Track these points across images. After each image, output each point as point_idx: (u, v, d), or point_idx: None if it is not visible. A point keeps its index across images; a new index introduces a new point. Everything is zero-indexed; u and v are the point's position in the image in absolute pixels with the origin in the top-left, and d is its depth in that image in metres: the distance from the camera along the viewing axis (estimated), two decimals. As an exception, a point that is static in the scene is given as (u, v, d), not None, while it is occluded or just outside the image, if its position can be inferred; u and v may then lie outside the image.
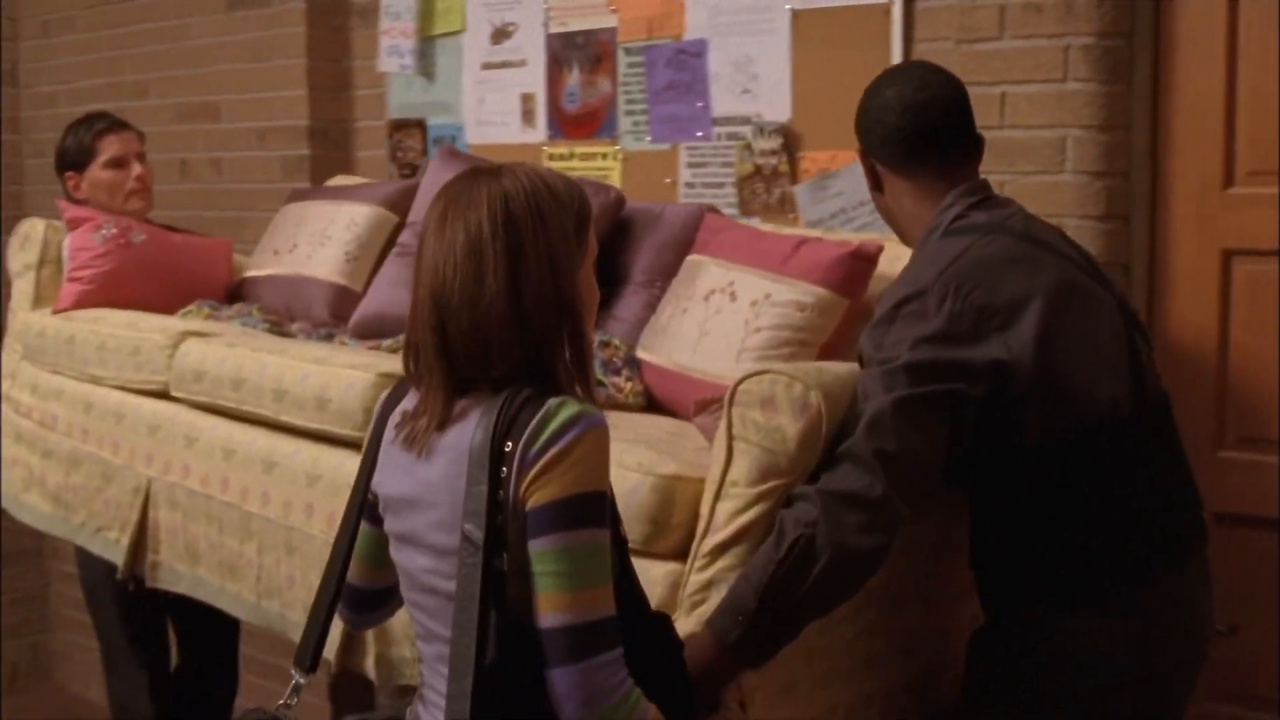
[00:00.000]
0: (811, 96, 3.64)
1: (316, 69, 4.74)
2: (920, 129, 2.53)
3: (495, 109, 4.37)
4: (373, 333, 3.69)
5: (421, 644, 2.07)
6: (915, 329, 2.30)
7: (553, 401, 1.91)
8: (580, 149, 4.16)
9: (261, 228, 4.35)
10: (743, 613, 2.23)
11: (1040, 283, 2.35)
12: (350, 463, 3.08)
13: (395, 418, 2.06)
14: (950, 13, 3.33)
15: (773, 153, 3.70)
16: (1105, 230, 3.07)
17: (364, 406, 3.05)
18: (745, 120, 3.77)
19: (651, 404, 3.14)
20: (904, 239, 2.66)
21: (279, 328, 3.87)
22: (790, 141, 3.68)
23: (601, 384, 3.12)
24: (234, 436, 3.36)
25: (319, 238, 4.06)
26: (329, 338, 3.77)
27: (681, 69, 3.89)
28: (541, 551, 1.88)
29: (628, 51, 4.03)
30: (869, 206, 3.46)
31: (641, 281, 3.42)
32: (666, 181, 3.93)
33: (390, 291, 3.73)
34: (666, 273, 3.36)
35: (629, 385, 3.13)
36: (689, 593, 2.38)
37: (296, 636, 3.24)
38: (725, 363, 2.92)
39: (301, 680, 2.24)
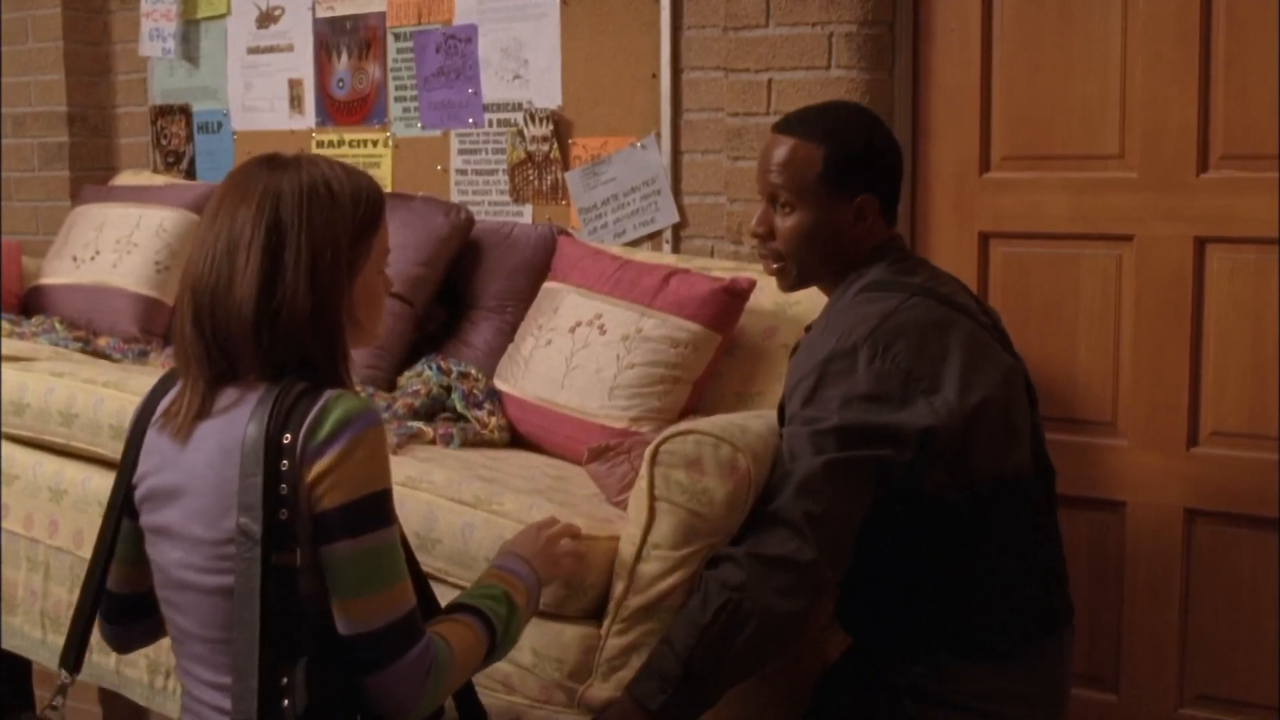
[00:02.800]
0: (582, 83, 3.59)
1: (74, 52, 4.50)
2: (902, 173, 2.47)
3: (262, 95, 4.22)
4: None
5: (175, 645, 1.95)
6: (844, 387, 2.19)
7: (330, 394, 1.82)
8: (350, 135, 4.03)
9: (20, 218, 4.12)
10: (666, 679, 2.13)
11: (963, 349, 2.26)
12: None
13: (163, 405, 1.94)
14: (716, 1, 3.30)
15: (544, 139, 3.64)
16: (869, 214, 3.08)
17: None
18: (516, 106, 3.70)
19: (514, 438, 3.02)
20: (810, 278, 2.45)
21: (89, 346, 3.62)
22: (561, 128, 3.62)
23: (464, 418, 3.00)
24: (64, 474, 3.11)
25: (124, 245, 3.82)
26: (143, 355, 3.54)
27: (452, 54, 3.80)
28: (337, 557, 1.80)
29: (397, 37, 3.92)
30: (640, 193, 3.44)
31: (493, 307, 3.31)
32: (438, 169, 3.84)
33: None
34: (519, 297, 3.26)
35: (492, 420, 3.00)
36: (606, 657, 2.29)
37: (136, 696, 3.06)
38: (595, 399, 2.83)
39: (67, 680, 2.07)
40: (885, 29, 3.14)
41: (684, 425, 2.31)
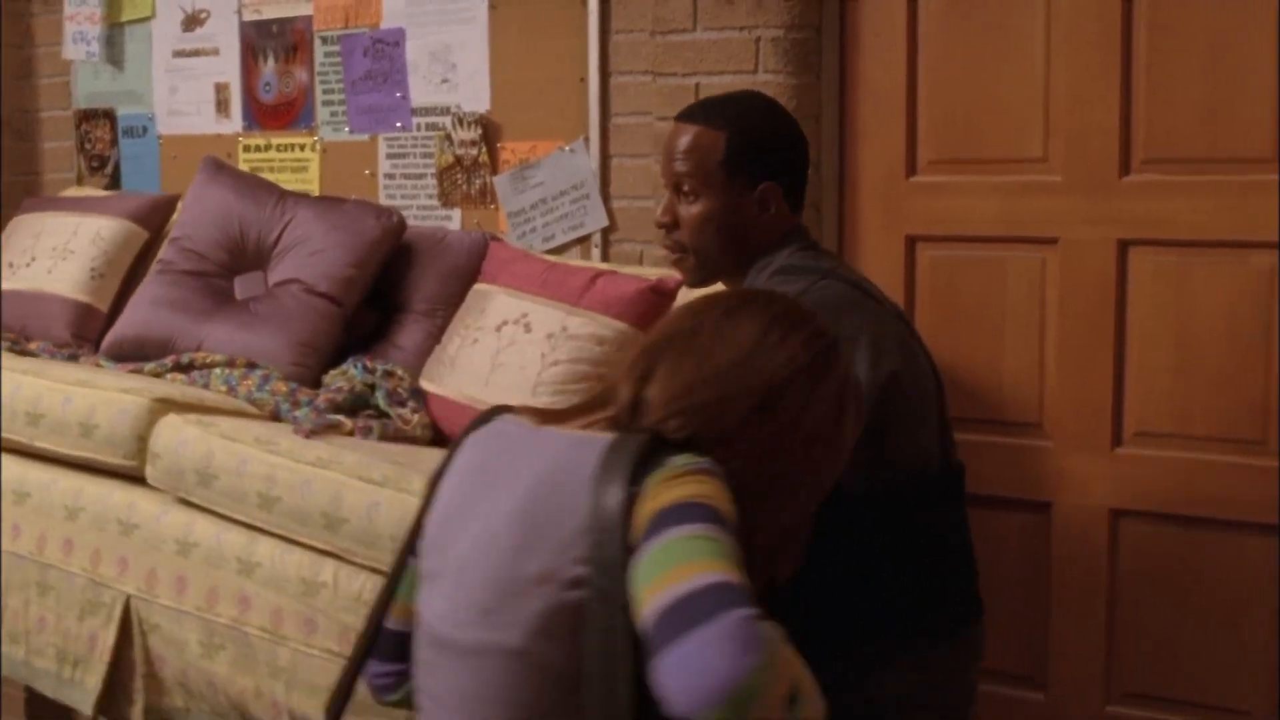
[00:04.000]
0: (510, 87, 3.55)
1: (-4, 55, 4.41)
2: (809, 163, 2.43)
3: (188, 99, 4.14)
4: (132, 355, 3.37)
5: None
6: None
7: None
8: (277, 140, 3.97)
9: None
10: None
11: (877, 334, 2.22)
12: (119, 493, 2.89)
13: (483, 442, 1.73)
14: (645, 4, 3.27)
15: (472, 143, 3.59)
16: (797, 218, 3.06)
17: (137, 434, 2.84)
18: (445, 111, 3.65)
19: (438, 437, 2.97)
20: (713, 268, 2.39)
21: (19, 346, 3.53)
22: (490, 132, 3.57)
23: (386, 415, 2.96)
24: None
25: (60, 252, 3.72)
26: (73, 359, 3.46)
27: (379, 58, 3.75)
28: (639, 561, 1.50)
29: (325, 40, 3.86)
30: (569, 197, 3.41)
31: (423, 310, 3.27)
32: (366, 173, 3.78)
33: (151, 312, 3.42)
34: (450, 302, 3.21)
35: (416, 417, 2.96)
36: None
37: (45, 687, 2.98)
38: (519, 396, 2.77)
39: None
40: (812, 33, 3.12)
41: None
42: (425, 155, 3.68)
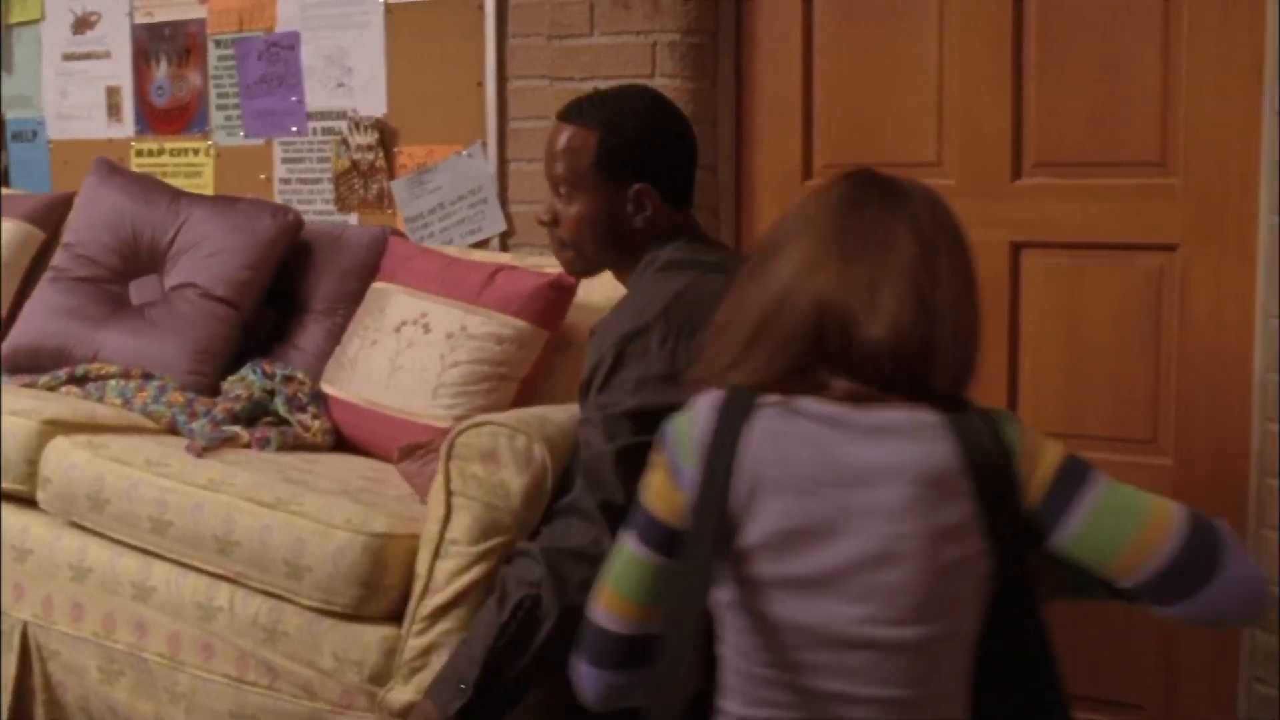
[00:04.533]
0: (407, 91, 3.51)
1: (-122, 58, 4.29)
2: (694, 161, 2.40)
3: (78, 102, 4.05)
4: (27, 366, 3.28)
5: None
6: (638, 369, 2.11)
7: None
8: (170, 144, 3.90)
9: None
10: (465, 681, 2.04)
11: None
12: (12, 518, 2.79)
13: (783, 443, 1.60)
14: (541, 8, 3.25)
15: (369, 148, 3.55)
16: (695, 222, 3.06)
17: (26, 457, 2.76)
18: (341, 115, 3.60)
19: (340, 442, 2.93)
20: (595, 264, 2.38)
21: None
22: (386, 136, 3.53)
23: (287, 422, 2.91)
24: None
25: None
26: None
27: (274, 62, 3.69)
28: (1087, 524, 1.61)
29: (218, 44, 3.80)
30: (467, 201, 3.38)
31: (322, 309, 3.22)
32: (261, 178, 3.72)
33: (45, 322, 3.32)
34: (349, 300, 3.16)
35: (316, 423, 2.91)
36: (406, 659, 2.21)
37: None
38: (420, 399, 2.75)
39: None
40: (708, 38, 3.12)
41: (480, 417, 2.25)
42: (321, 160, 3.63)
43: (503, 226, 3.35)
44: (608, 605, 1.70)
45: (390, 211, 3.51)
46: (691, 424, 1.64)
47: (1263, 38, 2.69)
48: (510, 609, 2.05)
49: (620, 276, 2.38)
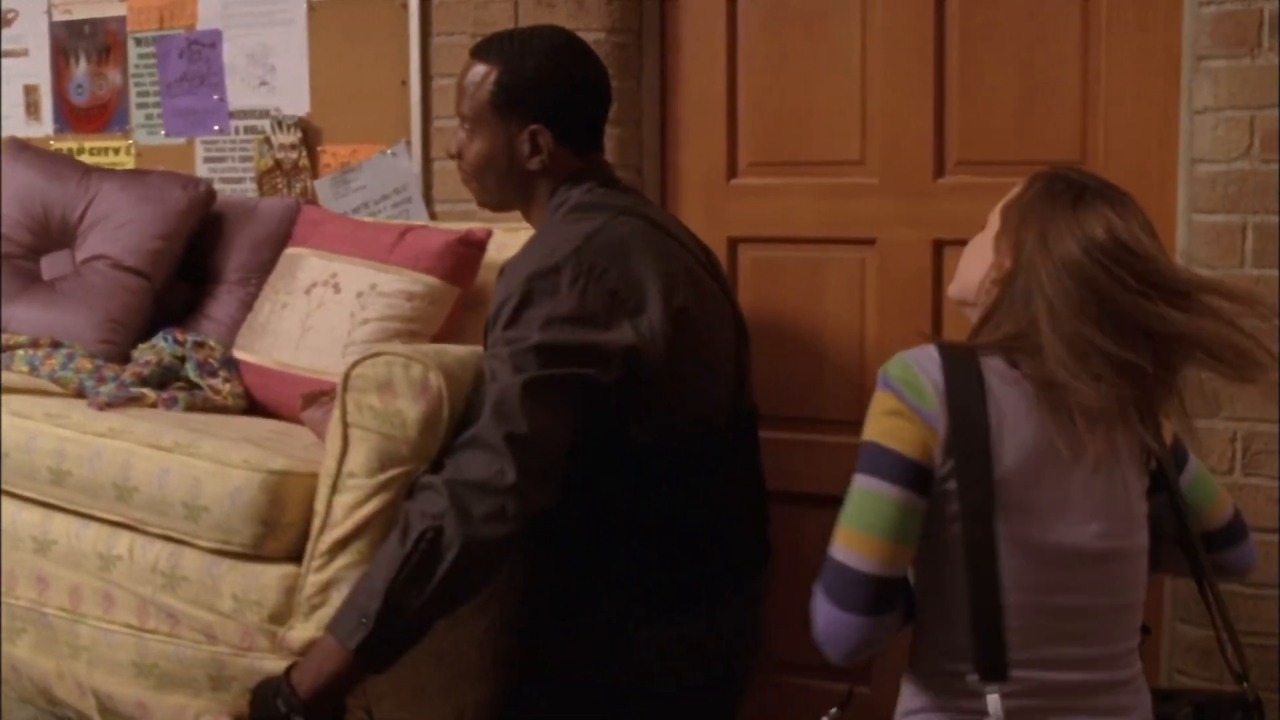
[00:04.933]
0: (330, 89, 3.47)
1: None
2: (599, 106, 2.37)
3: (-5, 101, 3.98)
4: None
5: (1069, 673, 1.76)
6: (546, 308, 2.09)
7: None
8: (90, 144, 3.83)
9: None
10: (366, 615, 2.00)
11: (669, 271, 2.18)
12: None
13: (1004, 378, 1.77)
14: (465, 7, 3.23)
15: (292, 147, 3.50)
16: (621, 221, 3.04)
17: None
18: (264, 113, 3.55)
19: (253, 406, 2.89)
20: (498, 201, 2.39)
21: None
22: (310, 135, 3.49)
23: (198, 386, 2.87)
24: None
25: None
26: None
27: (195, 60, 3.64)
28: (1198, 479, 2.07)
29: (139, 41, 3.74)
30: (391, 200, 3.35)
31: (236, 280, 3.18)
32: (183, 176, 3.67)
33: None
34: (263, 270, 3.12)
35: (227, 387, 2.87)
36: (306, 595, 2.17)
37: None
38: (331, 358, 2.71)
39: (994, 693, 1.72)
40: (632, 37, 3.11)
41: (375, 348, 2.22)
42: (244, 159, 3.59)
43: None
44: (866, 550, 1.73)
45: (314, 211, 3.47)
46: (920, 372, 1.76)
47: (1179, 38, 2.72)
48: (412, 541, 2.01)
49: (527, 216, 2.38)
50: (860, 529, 1.75)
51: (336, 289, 2.79)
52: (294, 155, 3.50)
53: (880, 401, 1.79)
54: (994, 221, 1.95)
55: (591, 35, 3.05)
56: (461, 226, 2.90)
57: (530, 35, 2.35)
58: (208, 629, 2.29)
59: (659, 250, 2.21)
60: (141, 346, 3.05)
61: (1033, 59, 2.85)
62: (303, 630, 2.16)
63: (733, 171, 3.12)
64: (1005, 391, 1.75)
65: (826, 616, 1.76)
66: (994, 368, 1.77)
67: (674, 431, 2.20)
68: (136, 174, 3.36)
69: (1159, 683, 2.79)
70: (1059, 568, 1.75)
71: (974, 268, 1.96)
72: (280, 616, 2.20)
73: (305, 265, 2.90)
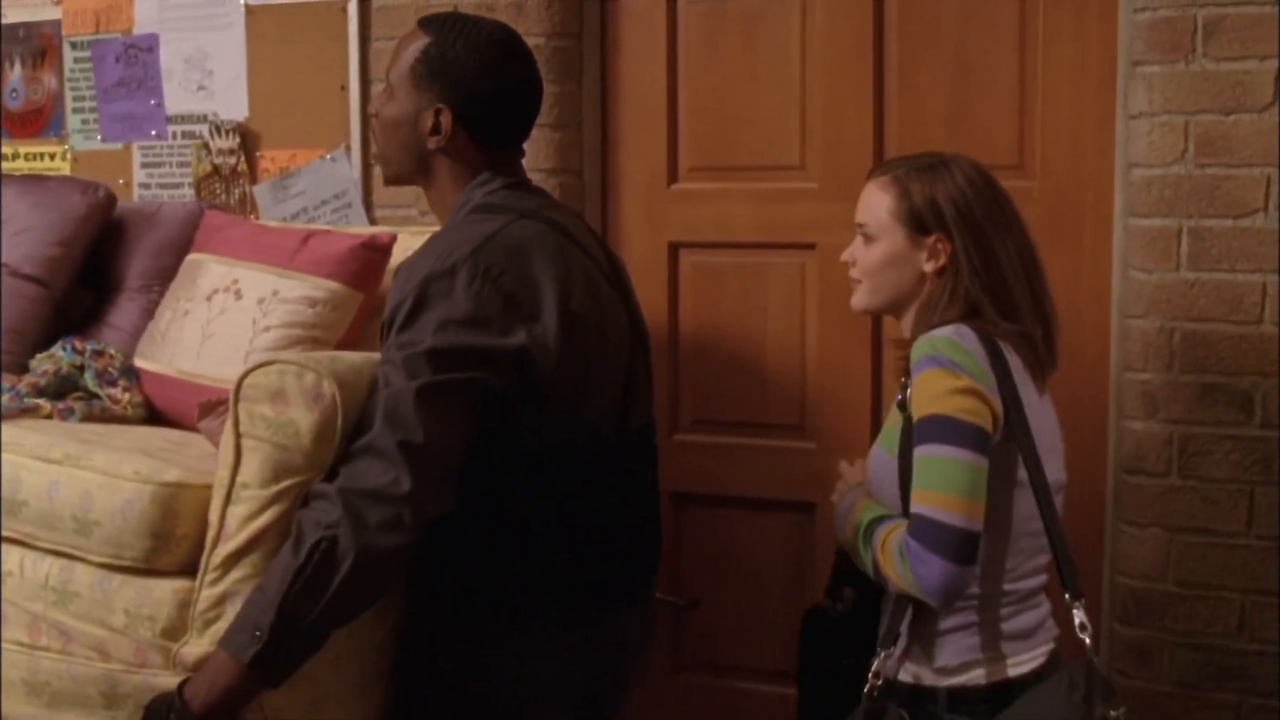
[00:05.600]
0: (269, 94, 3.42)
1: None
2: (518, 109, 2.30)
3: (-72, 105, 3.91)
4: None
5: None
6: (441, 310, 2.04)
7: None
8: (26, 149, 3.76)
9: None
10: (260, 627, 1.95)
11: (566, 276, 2.14)
12: None
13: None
14: (405, 11, 3.19)
15: (231, 152, 3.46)
16: (562, 226, 3.02)
17: None
18: (201, 118, 3.50)
19: (153, 415, 2.83)
20: (396, 174, 2.33)
21: None
22: (248, 140, 3.44)
23: (97, 396, 2.80)
24: None
25: None
26: None
27: (132, 64, 3.58)
28: None
29: (74, 45, 3.67)
30: (331, 206, 3.31)
31: (137, 287, 3.11)
32: (120, 183, 3.60)
33: None
34: (165, 277, 3.05)
35: (126, 396, 2.81)
36: (200, 610, 2.12)
37: None
38: (233, 365, 2.61)
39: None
40: (573, 41, 3.09)
41: (267, 357, 2.17)
42: (182, 164, 3.54)
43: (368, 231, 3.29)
44: (971, 512, 1.92)
45: (253, 216, 3.42)
46: (970, 351, 1.98)
47: (1114, 43, 2.73)
48: (306, 551, 1.96)
49: (427, 196, 2.33)
50: (959, 494, 1.92)
51: (238, 295, 2.74)
52: (232, 160, 3.46)
53: (943, 380, 1.96)
54: (890, 227, 2.10)
55: (532, 39, 3.02)
56: (362, 230, 2.84)
57: (476, 22, 2.29)
58: (100, 645, 2.24)
59: (558, 254, 2.17)
60: (39, 356, 2.96)
61: (971, 64, 2.85)
62: (197, 645, 2.12)
63: (673, 176, 3.11)
64: (1010, 356, 2.02)
65: (944, 571, 1.91)
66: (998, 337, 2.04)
67: (560, 438, 2.17)
68: (34, 180, 3.28)
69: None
70: (1047, 500, 2.02)
71: (894, 275, 2.11)
72: (174, 632, 2.15)
73: (207, 271, 2.84)
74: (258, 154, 3.44)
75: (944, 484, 1.93)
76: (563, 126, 3.06)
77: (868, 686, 2.05)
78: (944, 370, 1.96)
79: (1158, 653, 2.67)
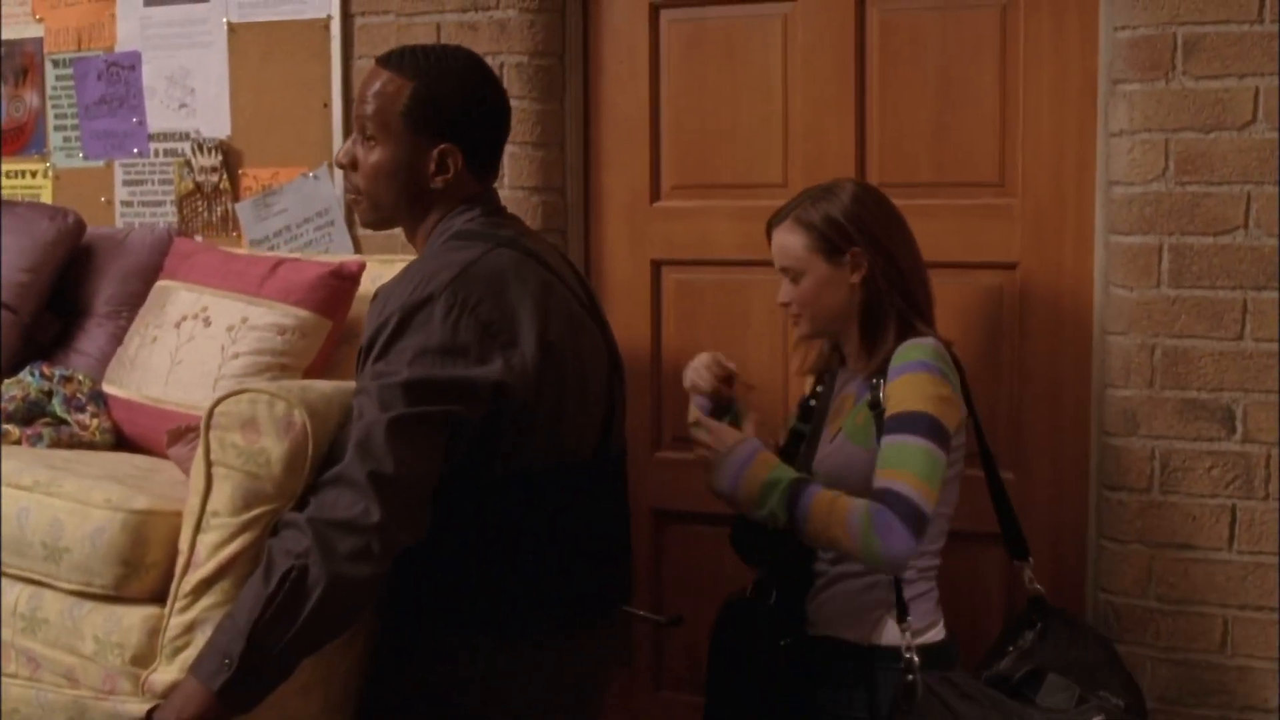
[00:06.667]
0: (251, 112, 3.40)
1: None
2: (506, 132, 2.30)
3: (-91, 123, 3.88)
4: None
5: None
6: (417, 339, 2.03)
7: None
8: (8, 166, 3.73)
9: None
10: (229, 656, 1.94)
11: (543, 305, 2.13)
12: None
13: None
14: (388, 29, 3.18)
15: (213, 170, 3.43)
16: (544, 243, 3.01)
17: None
18: (184, 136, 3.48)
19: (122, 441, 2.82)
20: (387, 218, 2.30)
21: None
22: (231, 158, 3.42)
23: (65, 422, 2.79)
24: None
25: None
26: None
27: (114, 82, 3.56)
28: None
29: (56, 63, 3.65)
30: (313, 224, 3.29)
31: (106, 313, 3.10)
32: (102, 200, 3.58)
33: None
34: (133, 303, 3.04)
35: (95, 422, 2.80)
36: (170, 637, 2.10)
37: None
38: (202, 392, 2.62)
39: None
40: (555, 60, 3.07)
41: (239, 385, 2.15)
42: (164, 182, 3.51)
43: (350, 249, 3.27)
44: (930, 498, 2.17)
45: (235, 234, 3.41)
46: (949, 363, 2.29)
47: (1095, 60, 2.73)
48: (276, 580, 1.95)
49: (411, 236, 2.30)
50: (929, 482, 2.17)
51: (207, 323, 2.73)
52: (215, 178, 3.44)
53: (932, 384, 2.23)
54: (810, 260, 2.35)
55: (515, 58, 3.02)
56: (331, 258, 2.83)
57: (443, 52, 2.27)
58: (69, 672, 2.22)
59: (536, 284, 2.15)
60: (7, 382, 2.94)
61: (952, 81, 2.84)
62: (166, 673, 2.10)
63: (656, 194, 3.09)
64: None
65: (906, 543, 2.13)
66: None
67: (538, 463, 2.15)
68: (2, 205, 3.25)
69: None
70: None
71: (828, 298, 2.36)
72: (143, 659, 2.14)
73: (175, 298, 2.82)
74: (240, 172, 3.42)
75: (919, 470, 2.17)
76: (545, 145, 3.05)
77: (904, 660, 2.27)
78: (933, 377, 2.23)
79: (1140, 669, 2.66)
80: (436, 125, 2.19)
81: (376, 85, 2.22)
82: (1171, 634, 2.65)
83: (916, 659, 2.25)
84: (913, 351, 2.26)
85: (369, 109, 2.21)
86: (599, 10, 3.10)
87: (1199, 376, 2.60)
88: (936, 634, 2.36)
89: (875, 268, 2.32)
